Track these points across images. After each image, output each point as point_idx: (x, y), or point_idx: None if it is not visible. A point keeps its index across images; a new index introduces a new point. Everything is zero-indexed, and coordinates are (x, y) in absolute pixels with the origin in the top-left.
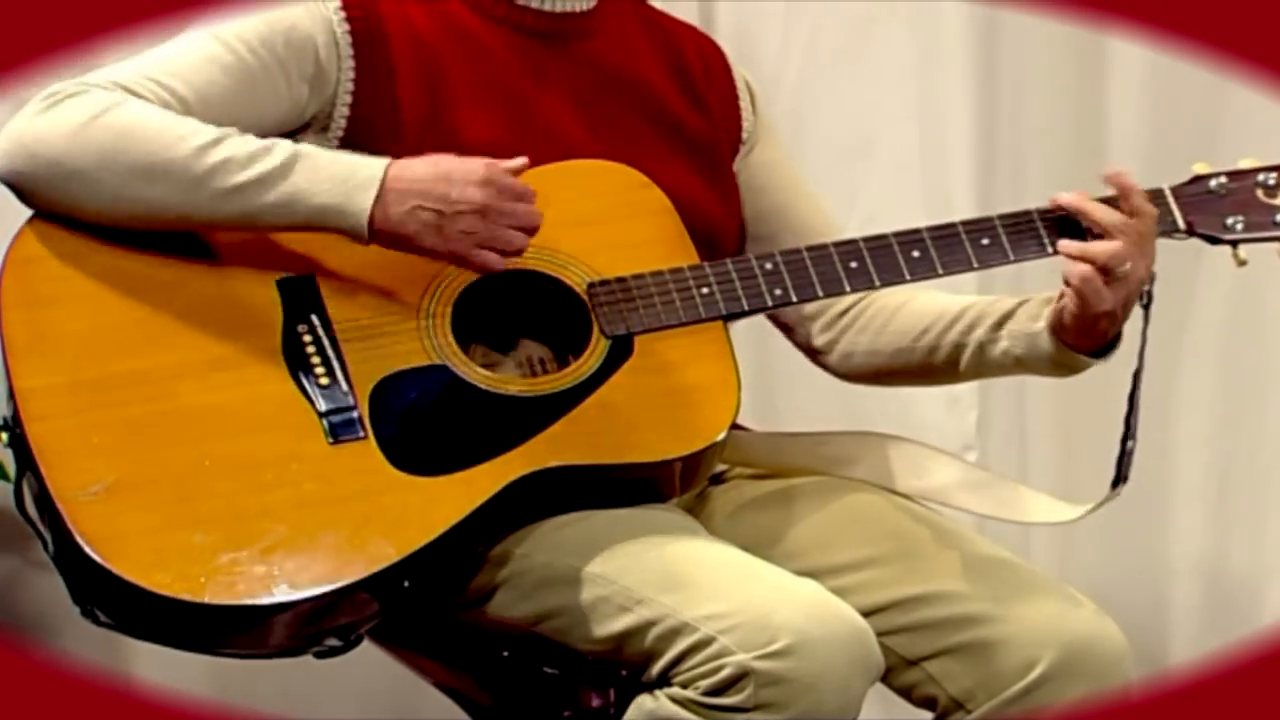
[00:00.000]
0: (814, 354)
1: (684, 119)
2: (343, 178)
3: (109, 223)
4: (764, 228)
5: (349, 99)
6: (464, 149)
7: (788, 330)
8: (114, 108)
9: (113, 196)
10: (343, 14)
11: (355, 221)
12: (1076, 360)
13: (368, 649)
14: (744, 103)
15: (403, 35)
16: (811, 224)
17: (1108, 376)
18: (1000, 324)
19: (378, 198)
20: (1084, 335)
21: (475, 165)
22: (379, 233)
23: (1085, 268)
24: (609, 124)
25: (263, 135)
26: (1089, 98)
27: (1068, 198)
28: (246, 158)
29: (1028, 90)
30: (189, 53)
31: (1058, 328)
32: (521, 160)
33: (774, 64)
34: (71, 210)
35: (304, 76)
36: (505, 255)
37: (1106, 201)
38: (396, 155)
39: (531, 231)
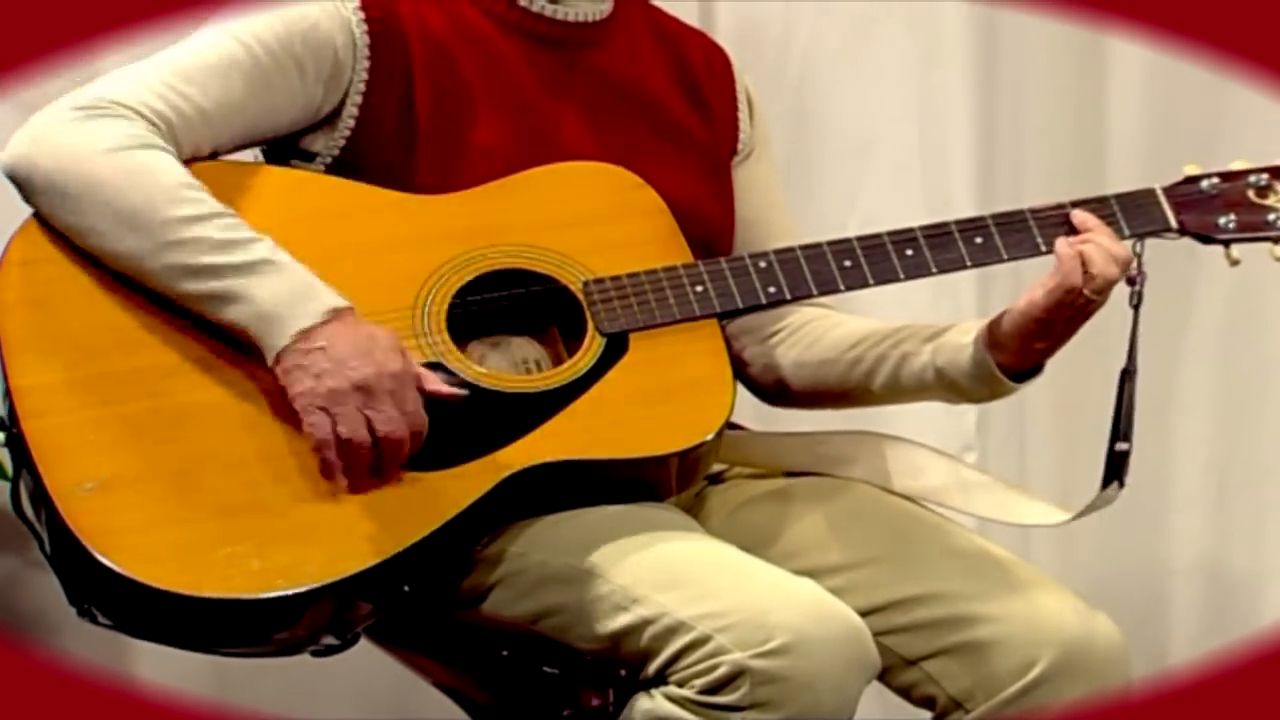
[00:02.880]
0: (742, 367)
1: (689, 127)
2: (295, 294)
3: (79, 245)
4: (737, 239)
5: (359, 99)
6: (468, 153)
7: (726, 343)
8: (136, 148)
9: (88, 228)
10: (361, 14)
11: (287, 328)
12: (998, 380)
13: (368, 649)
14: (743, 113)
15: (419, 37)
16: (779, 245)
17: (1107, 378)
18: (928, 339)
19: (322, 321)
20: (1024, 347)
21: (396, 357)
22: (290, 351)
23: (1077, 274)
24: (616, 133)
25: (276, 134)
26: (1089, 98)
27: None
28: (219, 243)
29: (1028, 90)
30: (208, 56)
31: (994, 332)
32: (462, 393)
33: (774, 64)
34: (50, 221)
35: (320, 77)
36: (336, 433)
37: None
38: (403, 157)
39: (413, 429)
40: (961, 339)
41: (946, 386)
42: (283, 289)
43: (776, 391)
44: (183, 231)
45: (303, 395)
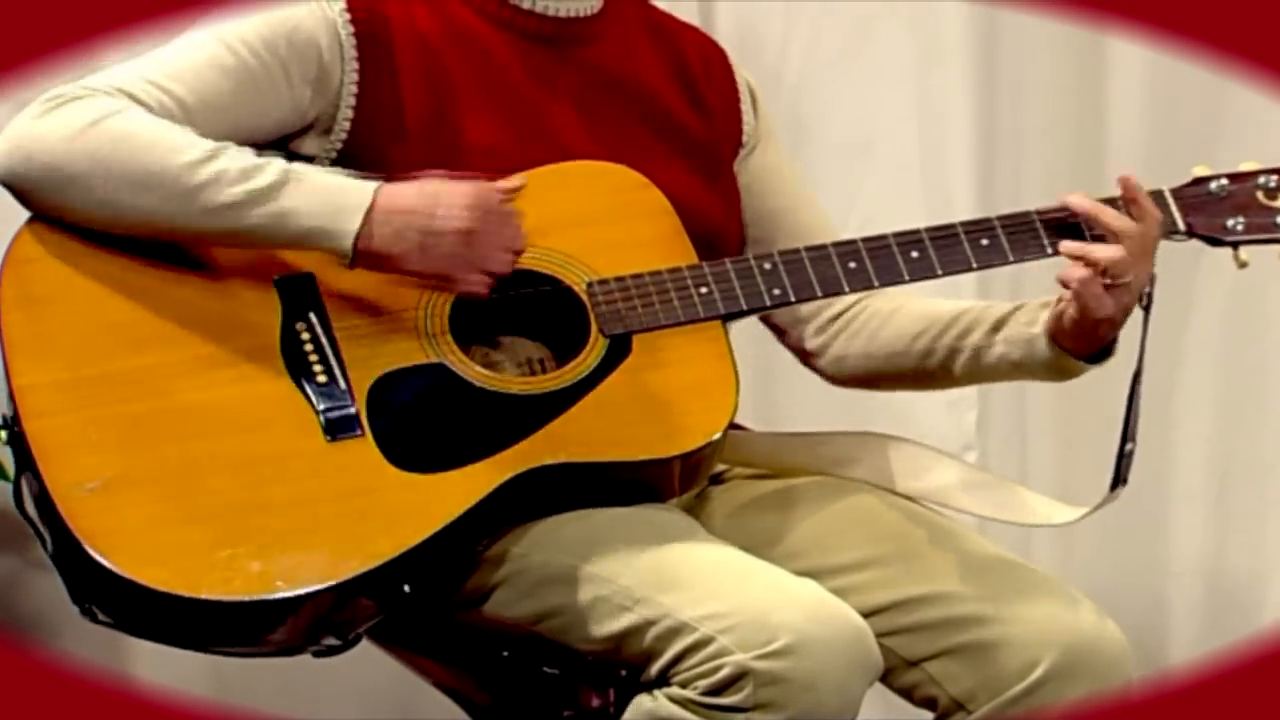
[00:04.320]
0: (806, 357)
1: (686, 122)
2: (331, 200)
3: (100, 228)
4: (760, 231)
5: (352, 100)
6: (466, 152)
7: (780, 333)
8: (113, 114)
9: (103, 202)
10: (347, 15)
11: (341, 244)
12: (1074, 365)
13: (368, 649)
14: (745, 105)
15: (407, 37)
16: (809, 228)
17: (1108, 377)
18: (996, 329)
19: (364, 221)
20: (1082, 340)
21: (463, 188)
22: (363, 254)
23: (1086, 271)
24: (611, 129)
25: (264, 137)
26: (1089, 98)
27: (1079, 201)
28: (239, 174)
29: (1028, 90)
30: (191, 55)
31: (1056, 332)
32: (517, 180)
33: (774, 64)
34: (63, 214)
35: (306, 79)
36: (491, 276)
37: (1109, 202)
38: (399, 158)
39: (517, 254)
40: (1030, 331)
41: (1025, 373)
42: (318, 194)
43: (850, 381)
44: (198, 174)
45: (437, 259)
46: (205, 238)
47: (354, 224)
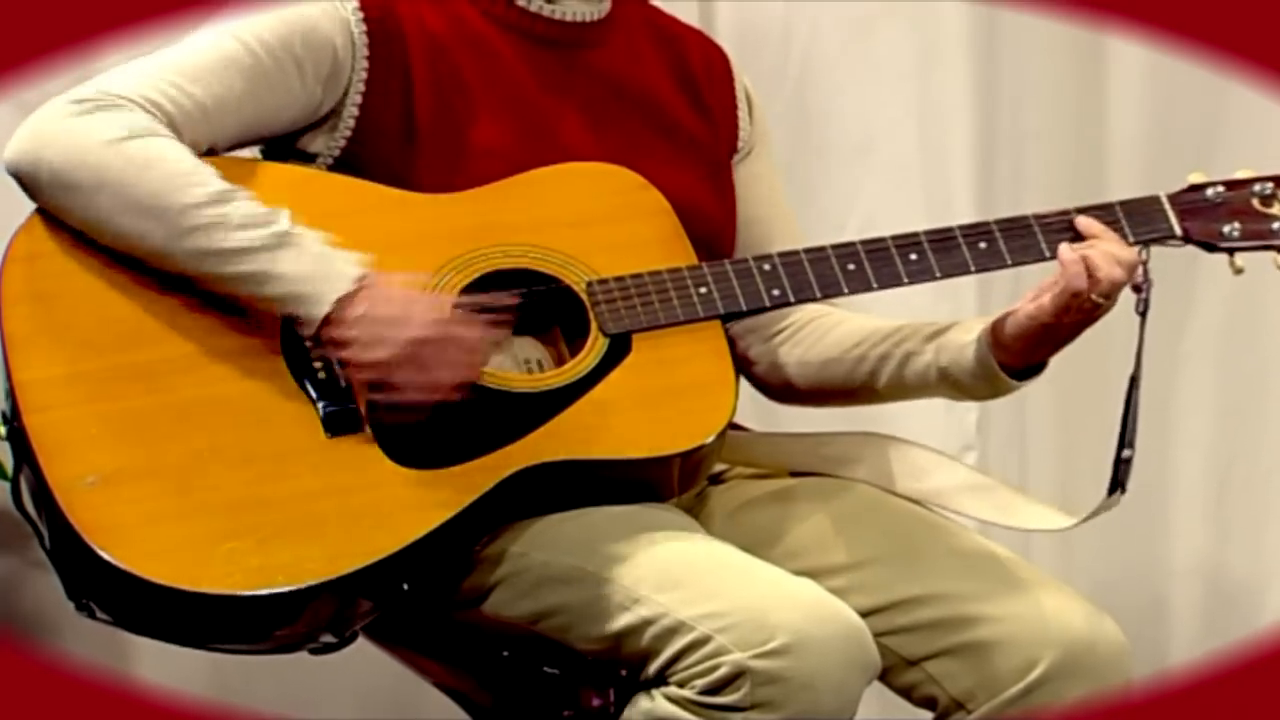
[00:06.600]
0: (748, 365)
1: (688, 125)
2: (322, 272)
3: (94, 237)
4: (739, 237)
5: (359, 99)
6: (471, 154)
7: (730, 343)
8: (139, 136)
9: (101, 219)
10: (360, 14)
11: (313, 310)
12: (999, 378)
13: (368, 649)
14: (742, 110)
15: (418, 37)
16: (781, 242)
17: (1108, 379)
18: (931, 338)
19: (349, 295)
20: (1029, 347)
21: (429, 305)
22: (331, 324)
23: (1084, 281)
24: (616, 132)
25: (273, 134)
26: (1089, 98)
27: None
28: (239, 223)
29: (1028, 90)
30: (208, 54)
31: (997, 332)
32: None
33: (774, 64)
34: (61, 216)
35: (319, 78)
36: (399, 402)
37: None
38: (404, 157)
39: (465, 379)
40: (964, 338)
41: (950, 385)
42: (305, 264)
43: (782, 390)
44: (200, 216)
45: (357, 371)
46: (189, 277)
47: (338, 292)
